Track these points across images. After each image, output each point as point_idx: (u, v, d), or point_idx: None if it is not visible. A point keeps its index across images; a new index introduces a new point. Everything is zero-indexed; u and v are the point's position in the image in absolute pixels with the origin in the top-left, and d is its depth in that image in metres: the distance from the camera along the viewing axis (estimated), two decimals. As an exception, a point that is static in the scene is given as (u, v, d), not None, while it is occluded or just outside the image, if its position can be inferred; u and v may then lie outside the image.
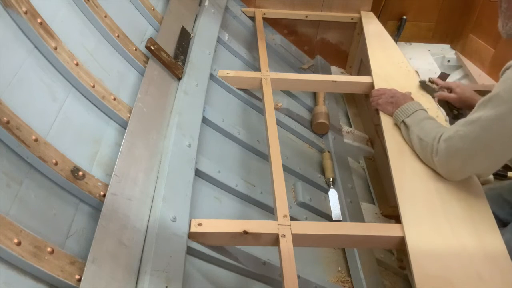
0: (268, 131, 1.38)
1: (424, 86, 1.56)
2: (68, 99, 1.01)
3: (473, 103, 1.30)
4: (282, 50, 2.21)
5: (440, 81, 1.53)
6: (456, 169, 1.13)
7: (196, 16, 1.77)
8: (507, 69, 1.07)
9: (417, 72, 1.76)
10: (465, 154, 1.09)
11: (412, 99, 1.38)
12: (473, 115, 1.10)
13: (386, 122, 1.39)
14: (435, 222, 1.08)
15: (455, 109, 1.46)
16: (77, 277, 0.78)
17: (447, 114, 1.46)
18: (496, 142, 1.05)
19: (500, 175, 1.89)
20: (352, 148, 1.93)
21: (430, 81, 1.55)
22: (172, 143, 1.15)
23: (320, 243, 1.20)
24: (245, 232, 1.03)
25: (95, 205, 0.93)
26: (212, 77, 1.57)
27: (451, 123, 1.41)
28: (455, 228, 1.06)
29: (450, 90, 1.48)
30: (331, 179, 1.63)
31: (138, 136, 1.10)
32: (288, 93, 1.97)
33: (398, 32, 2.57)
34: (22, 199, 0.79)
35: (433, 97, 1.51)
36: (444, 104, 1.49)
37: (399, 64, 1.72)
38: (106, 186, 0.95)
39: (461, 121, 1.12)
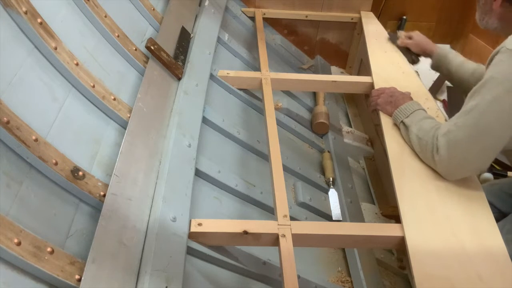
0: (268, 131, 1.38)
1: (391, 37, 1.87)
2: (68, 99, 1.01)
3: (426, 48, 1.69)
4: (282, 50, 2.21)
5: (403, 32, 1.83)
6: (457, 164, 1.12)
7: (196, 16, 1.77)
8: (495, 54, 1.09)
9: (417, 72, 1.76)
10: (467, 144, 1.08)
11: (411, 99, 1.38)
12: (468, 105, 1.10)
13: (386, 122, 1.39)
14: (435, 222, 1.08)
15: (414, 54, 1.75)
16: (77, 277, 0.78)
17: (408, 60, 1.74)
18: (496, 124, 1.05)
19: (500, 175, 1.89)
20: (352, 148, 1.92)
21: (396, 33, 1.87)
22: (172, 143, 1.15)
23: (320, 243, 1.20)
24: (245, 232, 1.03)
25: (95, 205, 0.93)
26: (212, 77, 1.57)
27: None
28: (455, 228, 1.06)
29: (410, 38, 1.76)
30: (331, 179, 1.63)
31: (138, 136, 1.10)
32: (288, 93, 1.97)
33: (398, 32, 2.57)
34: (22, 199, 0.79)
35: (397, 46, 1.81)
36: (404, 50, 1.78)
37: (399, 64, 1.72)
38: (106, 186, 0.95)
39: (456, 114, 1.13)
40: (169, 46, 1.45)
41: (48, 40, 0.99)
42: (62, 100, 1.00)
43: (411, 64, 1.73)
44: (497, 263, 1.00)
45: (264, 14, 2.18)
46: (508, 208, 1.41)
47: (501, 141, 1.08)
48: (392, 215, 1.64)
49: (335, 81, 1.71)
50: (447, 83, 2.47)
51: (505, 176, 1.89)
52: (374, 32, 2.00)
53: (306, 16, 2.23)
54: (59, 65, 1.01)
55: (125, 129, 1.08)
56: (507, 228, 1.28)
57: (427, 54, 1.70)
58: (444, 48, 1.65)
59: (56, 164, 0.86)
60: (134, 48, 1.32)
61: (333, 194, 1.59)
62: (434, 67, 1.67)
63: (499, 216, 1.38)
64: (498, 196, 1.44)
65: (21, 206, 0.78)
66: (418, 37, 1.74)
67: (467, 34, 2.51)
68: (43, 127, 0.91)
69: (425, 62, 1.76)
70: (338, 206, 1.55)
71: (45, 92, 0.96)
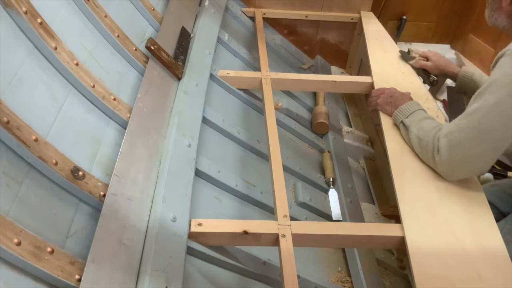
0: (268, 131, 1.38)
1: (404, 55, 1.72)
2: (68, 99, 1.01)
3: (447, 70, 1.58)
4: (282, 50, 2.21)
5: (418, 51, 1.69)
6: (458, 165, 1.12)
7: (196, 16, 1.77)
8: (500, 57, 1.10)
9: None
10: (468, 145, 1.08)
11: (411, 99, 1.39)
12: (470, 107, 1.11)
13: (386, 122, 1.39)
14: (435, 222, 1.08)
15: (431, 76, 1.62)
16: (77, 277, 0.78)
17: (424, 82, 1.62)
18: (498, 127, 1.06)
19: (500, 175, 1.89)
20: (352, 148, 1.93)
21: (409, 51, 1.71)
22: (172, 143, 1.15)
23: (320, 243, 1.20)
24: (245, 232, 1.03)
25: (95, 205, 0.93)
26: (212, 77, 1.57)
27: (430, 91, 1.63)
28: (455, 228, 1.06)
29: (427, 58, 1.64)
30: (331, 179, 1.63)
31: (138, 136, 1.10)
32: (288, 93, 1.97)
33: (398, 32, 2.57)
34: (22, 199, 0.79)
35: (411, 65, 1.67)
36: (421, 72, 1.64)
37: (399, 64, 1.72)
38: (106, 186, 0.95)
39: (459, 116, 1.13)
40: (169, 46, 1.45)
41: (48, 40, 0.99)
42: (62, 100, 1.00)
43: (429, 86, 1.63)
44: (497, 263, 1.00)
45: (264, 14, 2.18)
46: (508, 209, 1.42)
47: (503, 144, 1.08)
48: (392, 215, 1.64)
49: (335, 81, 1.71)
50: (447, 83, 2.47)
51: (506, 176, 1.89)
52: (374, 32, 2.00)
53: (306, 16, 2.23)
54: (59, 65, 1.01)
55: (125, 129, 1.08)
56: (507, 229, 1.28)
57: (447, 76, 1.61)
58: (467, 70, 1.53)
59: (56, 164, 0.86)
60: (134, 48, 1.32)
61: (333, 194, 1.59)
62: (459, 90, 1.56)
63: (499, 216, 1.39)
64: (499, 197, 1.45)
65: (21, 206, 0.78)
66: (435, 58, 1.62)
67: (467, 34, 2.51)
68: (43, 127, 0.91)
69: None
70: (338, 206, 1.55)
71: (45, 92, 0.96)
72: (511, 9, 1.19)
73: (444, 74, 1.61)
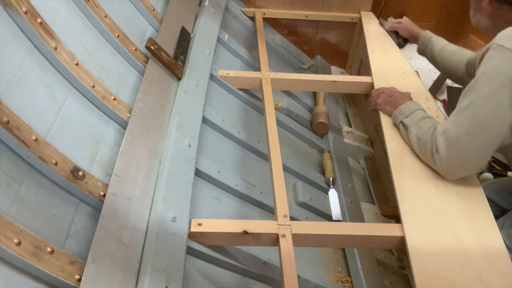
0: (268, 131, 1.38)
1: (383, 23, 1.99)
2: (68, 99, 1.02)
3: (413, 31, 1.79)
4: (282, 50, 2.21)
5: (393, 19, 1.96)
6: (457, 163, 1.12)
7: (196, 16, 1.77)
8: (486, 51, 1.10)
9: (417, 72, 1.76)
10: (465, 140, 1.08)
11: (410, 99, 1.38)
12: (463, 103, 1.11)
13: (386, 122, 1.39)
14: (435, 222, 1.08)
15: (401, 37, 1.86)
16: (77, 277, 0.78)
17: (395, 43, 1.86)
18: (493, 119, 1.06)
19: (500, 175, 1.89)
20: (352, 148, 1.92)
21: (386, 19, 2.00)
22: (172, 143, 1.15)
23: (320, 243, 1.20)
24: (245, 232, 1.03)
25: (95, 205, 0.93)
26: (212, 77, 1.57)
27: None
28: (455, 228, 1.06)
29: (399, 23, 1.87)
30: (331, 179, 1.63)
31: (138, 136, 1.10)
32: (288, 93, 1.97)
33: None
34: (22, 199, 0.79)
35: (386, 30, 1.94)
36: (393, 34, 1.89)
37: (399, 64, 1.72)
38: (106, 186, 0.95)
39: (452, 113, 1.13)
40: (169, 46, 1.45)
41: (48, 40, 0.99)
42: (62, 100, 1.00)
43: (398, 47, 1.83)
44: (497, 263, 1.00)
45: (264, 14, 2.18)
46: (508, 205, 1.42)
47: (499, 136, 1.08)
48: (392, 215, 1.64)
49: (335, 81, 1.71)
50: (447, 83, 2.47)
51: (505, 175, 1.89)
52: (374, 32, 2.00)
53: (306, 16, 2.23)
54: (59, 65, 1.01)
55: (125, 129, 1.08)
56: (508, 224, 1.28)
57: (414, 38, 1.78)
58: (428, 32, 1.71)
59: (56, 164, 0.86)
60: (134, 48, 1.32)
61: (333, 194, 1.59)
62: (420, 51, 1.73)
63: (500, 212, 1.39)
64: (499, 194, 1.45)
65: (21, 206, 0.78)
66: (405, 21, 1.84)
67: (467, 34, 2.51)
68: (43, 127, 0.91)
69: (426, 62, 1.76)
70: (338, 206, 1.55)
71: (45, 92, 0.96)
72: (490, 9, 1.20)
73: (411, 35, 1.80)
